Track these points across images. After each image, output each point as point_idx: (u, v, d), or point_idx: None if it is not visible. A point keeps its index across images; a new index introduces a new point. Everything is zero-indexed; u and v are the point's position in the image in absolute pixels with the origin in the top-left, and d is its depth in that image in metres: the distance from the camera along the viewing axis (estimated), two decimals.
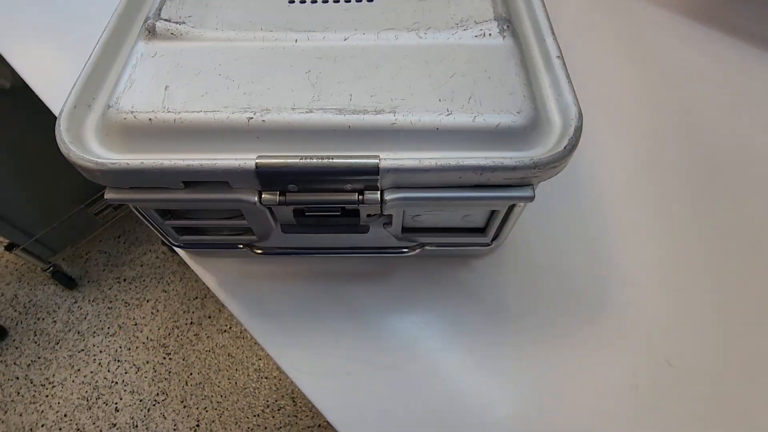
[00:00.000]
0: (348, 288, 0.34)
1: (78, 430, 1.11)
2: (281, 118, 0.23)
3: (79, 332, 1.23)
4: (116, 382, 1.17)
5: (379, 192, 0.24)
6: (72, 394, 1.15)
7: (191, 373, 1.18)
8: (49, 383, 1.16)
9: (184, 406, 1.14)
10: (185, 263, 1.24)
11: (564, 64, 0.27)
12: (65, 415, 1.12)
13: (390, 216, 0.27)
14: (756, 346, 0.32)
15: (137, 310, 1.27)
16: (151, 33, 0.27)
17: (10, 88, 0.88)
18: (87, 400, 1.15)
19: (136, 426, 1.11)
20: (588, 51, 0.49)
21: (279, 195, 0.24)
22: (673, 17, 0.51)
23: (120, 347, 1.21)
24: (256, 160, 0.22)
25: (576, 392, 0.30)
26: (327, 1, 0.29)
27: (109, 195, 0.24)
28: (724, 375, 0.31)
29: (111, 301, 1.28)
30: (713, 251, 0.36)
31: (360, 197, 0.24)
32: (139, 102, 0.24)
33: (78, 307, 1.27)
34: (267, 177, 0.23)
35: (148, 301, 1.28)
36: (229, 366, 1.19)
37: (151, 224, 0.28)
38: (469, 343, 0.32)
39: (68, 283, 1.27)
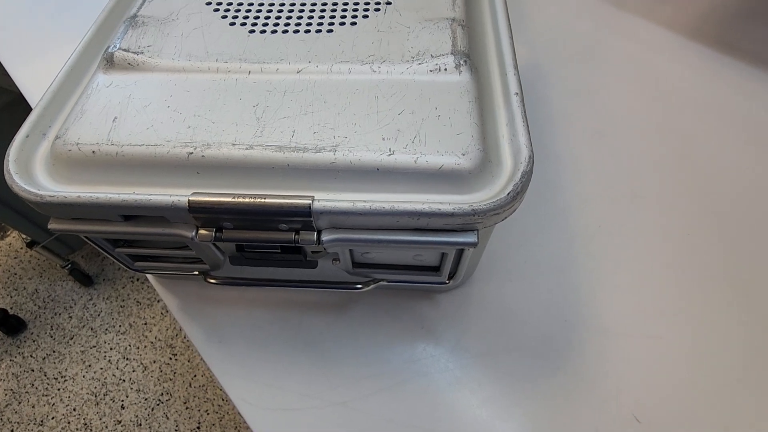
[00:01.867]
0: (306, 318, 0.33)
1: (85, 424, 1.14)
2: (221, 154, 0.23)
3: (92, 329, 1.28)
4: (124, 380, 1.20)
5: (315, 233, 0.23)
6: (82, 389, 1.19)
7: (195, 375, 1.20)
8: (62, 377, 1.21)
9: (187, 408, 1.16)
10: None
11: (522, 101, 0.25)
12: (74, 409, 1.16)
13: (336, 253, 0.27)
14: (732, 406, 0.29)
15: (148, 310, 1.30)
16: (110, 63, 0.27)
17: None
18: (95, 396, 1.18)
19: (140, 424, 1.14)
20: (586, 72, 0.47)
21: (216, 231, 0.24)
22: (670, 36, 0.49)
23: (129, 345, 1.25)
24: (189, 197, 0.22)
25: None
26: (287, 32, 0.29)
27: (52, 225, 0.24)
28: None
29: (124, 300, 1.32)
30: (693, 299, 0.33)
31: (296, 236, 0.23)
32: (86, 134, 0.24)
33: (93, 304, 1.31)
34: (200, 213, 0.23)
35: (159, 301, 1.32)
36: None
37: (104, 251, 0.29)
38: (426, 383, 0.31)
39: (85, 280, 1.32)
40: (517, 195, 0.22)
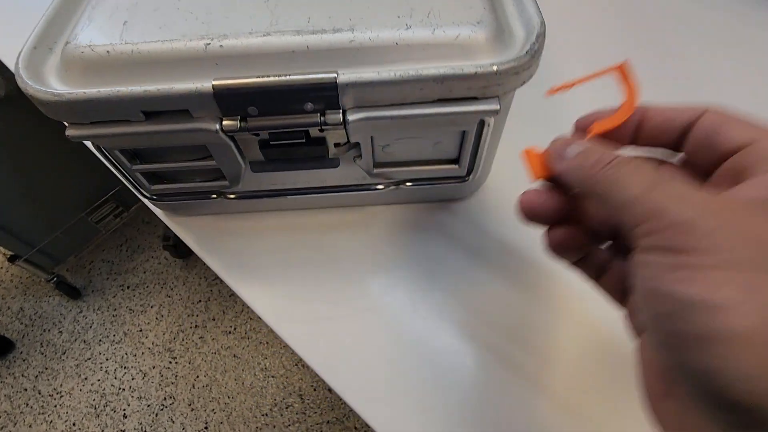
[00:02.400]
0: (327, 238, 0.33)
1: None
2: (239, 43, 0.23)
3: (85, 341, 1.24)
4: (123, 389, 1.16)
5: (341, 112, 0.23)
6: (80, 402, 1.15)
7: (198, 376, 1.18)
8: (57, 393, 1.16)
9: (192, 409, 1.13)
10: (188, 268, 1.26)
11: None
12: (74, 424, 1.12)
13: (358, 146, 0.27)
14: None
15: (142, 317, 1.27)
16: None
17: (5, 97, 0.90)
18: (95, 408, 1.14)
19: (145, 431, 1.11)
20: None
21: (240, 121, 0.24)
22: None
23: (126, 354, 1.21)
24: (213, 82, 0.22)
25: (560, 329, 0.29)
26: None
27: (70, 132, 0.24)
28: None
29: (115, 309, 1.28)
30: None
31: (322, 118, 0.23)
32: (97, 37, 0.24)
33: (83, 316, 1.27)
34: (225, 99, 0.22)
35: (152, 307, 1.28)
36: (235, 367, 1.19)
37: (122, 173, 0.28)
38: (452, 283, 0.31)
39: (72, 293, 1.28)
40: (534, 54, 0.23)
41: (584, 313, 0.30)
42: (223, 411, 1.13)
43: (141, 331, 1.25)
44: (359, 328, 0.30)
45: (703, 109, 0.17)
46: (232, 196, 0.30)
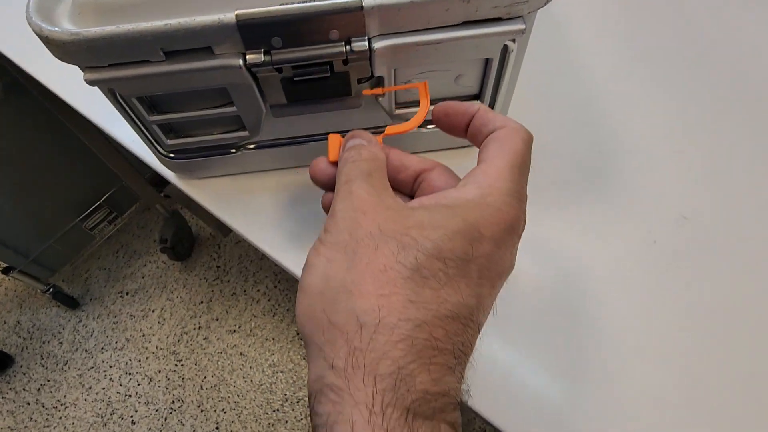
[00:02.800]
0: None
1: None
2: None
3: (86, 350, 1.21)
4: (130, 395, 1.14)
5: (366, 39, 0.23)
6: (86, 412, 1.13)
7: (205, 377, 1.16)
8: (61, 405, 1.14)
9: (202, 411, 1.12)
10: (187, 270, 1.24)
11: None
12: None
13: (381, 82, 0.27)
14: (761, 191, 0.31)
15: (143, 321, 1.25)
16: None
17: None
18: (102, 417, 1.12)
19: None
20: None
21: (264, 54, 0.23)
22: None
23: (130, 360, 1.19)
24: (237, 12, 0.22)
25: (595, 253, 0.29)
26: None
27: (87, 76, 0.23)
28: (738, 223, 0.30)
29: (116, 316, 1.26)
30: (716, 119, 0.35)
31: (347, 47, 0.23)
32: None
33: (83, 325, 1.25)
34: (249, 30, 0.22)
35: (153, 311, 1.26)
36: (242, 365, 1.17)
37: (139, 128, 0.27)
38: None
39: (70, 302, 1.25)
40: None
41: (618, 235, 0.30)
42: (234, 410, 1.12)
43: (144, 336, 1.22)
44: None
45: (477, 108, 0.22)
46: (252, 146, 0.29)
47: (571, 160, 0.34)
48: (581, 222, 0.31)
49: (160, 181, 1.16)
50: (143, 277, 1.31)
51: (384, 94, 0.27)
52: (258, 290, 1.27)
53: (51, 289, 1.20)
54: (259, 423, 1.10)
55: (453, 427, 0.16)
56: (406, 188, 0.23)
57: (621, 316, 0.28)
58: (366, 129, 0.30)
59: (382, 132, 0.24)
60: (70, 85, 0.39)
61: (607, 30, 0.41)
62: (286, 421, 1.10)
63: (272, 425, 1.09)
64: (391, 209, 0.19)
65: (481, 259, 0.18)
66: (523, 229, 0.20)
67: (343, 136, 0.23)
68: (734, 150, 0.33)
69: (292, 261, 0.30)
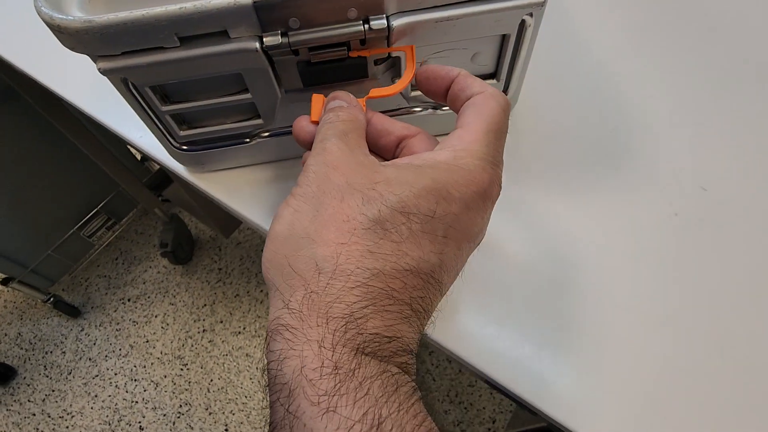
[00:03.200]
0: None
1: None
2: None
3: (90, 359, 1.20)
4: (136, 401, 1.13)
5: (384, 17, 0.23)
6: (93, 421, 1.12)
7: (212, 380, 1.15)
8: (68, 414, 1.13)
9: (210, 413, 1.11)
10: (188, 273, 1.23)
11: None
12: None
13: (398, 63, 0.26)
14: None
15: (147, 327, 1.24)
16: None
17: None
18: (109, 425, 1.11)
19: None
20: None
21: (281, 36, 0.23)
22: None
23: (135, 366, 1.18)
24: None
25: (619, 227, 0.29)
26: None
27: (101, 65, 0.23)
28: (758, 195, 0.30)
29: (118, 323, 1.25)
30: (729, 89, 0.35)
31: (366, 26, 0.23)
32: None
33: (85, 334, 1.24)
34: (266, 10, 0.22)
35: (156, 316, 1.25)
36: (248, 366, 1.17)
37: (151, 119, 0.27)
38: (498, 207, 0.31)
39: (71, 311, 1.24)
40: None
41: (639, 208, 0.30)
42: (242, 411, 1.11)
43: (148, 341, 1.21)
44: None
45: (457, 73, 0.22)
46: (266, 134, 0.29)
47: (587, 139, 0.33)
48: (600, 200, 0.31)
49: (158, 185, 1.15)
50: (144, 283, 1.30)
51: (401, 74, 0.27)
52: (261, 291, 1.26)
53: (51, 299, 1.19)
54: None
55: (403, 369, 0.17)
56: (389, 154, 0.23)
57: (644, 289, 0.28)
58: (383, 111, 0.30)
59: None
60: (73, 84, 0.38)
61: (617, 4, 0.41)
62: None
63: None
64: (361, 165, 0.19)
65: (448, 218, 0.18)
66: (498, 195, 0.20)
67: None
68: (750, 121, 0.33)
69: None
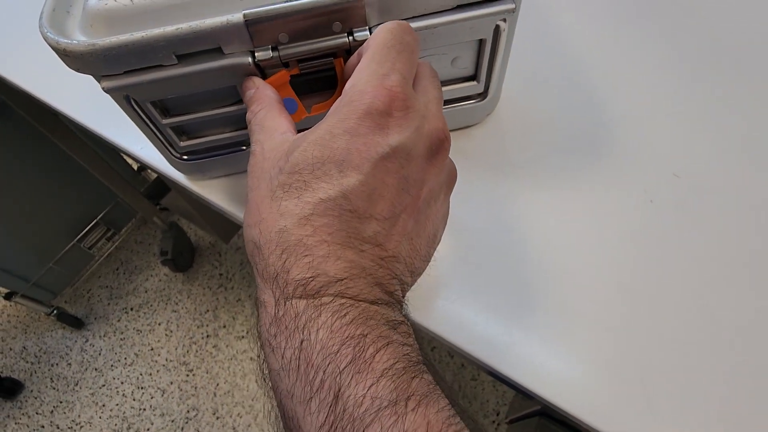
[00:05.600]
0: None
1: None
2: None
3: (96, 369, 1.21)
4: (144, 409, 1.15)
5: (367, 29, 0.24)
6: (102, 430, 1.13)
7: (218, 384, 1.17)
8: (76, 424, 1.14)
9: (217, 417, 1.13)
10: (190, 280, 1.25)
11: None
12: None
13: None
14: (753, 144, 0.33)
15: (150, 336, 1.25)
16: None
17: None
18: None
19: None
20: None
21: (271, 51, 0.24)
22: None
23: (141, 374, 1.20)
24: (244, 12, 0.23)
25: (596, 215, 0.31)
26: None
27: (105, 84, 0.24)
28: (729, 180, 0.32)
29: (122, 333, 1.26)
30: (699, 77, 0.37)
31: (350, 38, 0.24)
32: None
33: (90, 345, 1.25)
34: (257, 27, 0.23)
35: (159, 324, 1.27)
36: (254, 369, 1.18)
37: (152, 132, 0.28)
38: (483, 198, 0.33)
39: (75, 323, 1.25)
40: None
41: (615, 197, 0.32)
42: (249, 414, 1.13)
43: (152, 349, 1.23)
44: None
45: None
46: None
47: (566, 132, 0.35)
48: (577, 189, 0.32)
49: (156, 194, 1.16)
50: (146, 292, 1.32)
51: None
52: None
53: (55, 312, 1.20)
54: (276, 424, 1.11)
55: (337, 296, 0.18)
56: None
57: (623, 273, 0.29)
58: None
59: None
60: (73, 101, 0.40)
61: (584, 4, 0.43)
62: None
63: None
64: (276, 149, 0.21)
65: (337, 153, 0.19)
66: (402, 103, 0.20)
67: None
68: (722, 110, 0.35)
69: None
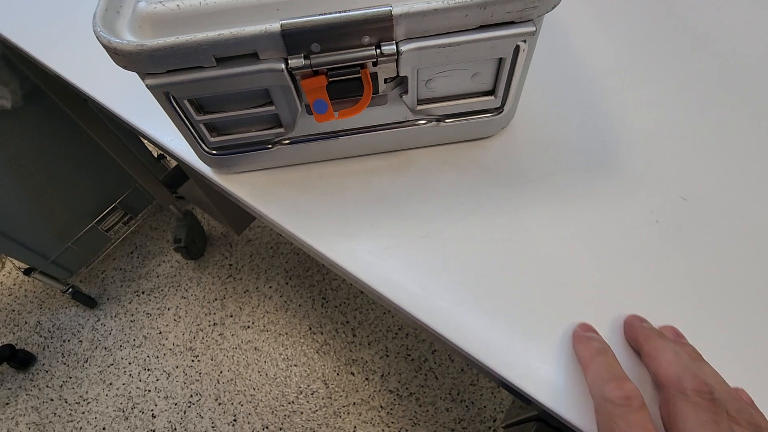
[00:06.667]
0: (373, 181, 0.36)
1: None
2: None
3: (105, 348, 1.25)
4: (149, 390, 1.18)
5: (394, 43, 0.26)
6: (107, 407, 1.16)
7: (221, 371, 1.19)
8: (84, 400, 1.17)
9: (219, 404, 1.15)
10: (200, 269, 1.28)
11: None
12: (104, 429, 1.13)
13: (405, 81, 0.29)
14: (759, 170, 0.34)
15: (160, 320, 1.28)
16: None
17: (11, 109, 0.91)
18: (123, 411, 1.16)
19: (175, 429, 1.12)
20: None
21: (304, 59, 0.26)
22: None
23: (148, 356, 1.23)
24: (281, 22, 0.25)
25: (602, 235, 0.32)
26: None
27: (149, 81, 0.26)
28: (735, 207, 0.33)
29: (133, 315, 1.29)
30: (709, 101, 0.38)
31: (378, 51, 0.26)
32: None
33: (101, 324, 1.28)
34: (291, 37, 0.25)
35: (169, 309, 1.30)
36: (257, 359, 1.20)
37: (187, 126, 0.30)
38: (494, 210, 0.34)
39: (88, 302, 1.29)
40: None
41: (621, 216, 0.33)
42: (250, 403, 1.15)
43: (160, 333, 1.26)
44: (417, 253, 0.32)
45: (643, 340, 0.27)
46: (287, 141, 0.32)
47: (579, 149, 0.36)
48: (585, 207, 0.34)
49: (173, 182, 1.20)
50: (158, 277, 1.35)
51: (407, 91, 0.30)
52: (270, 287, 1.30)
53: (70, 290, 1.24)
54: (275, 414, 1.13)
55: None
56: None
57: (623, 290, 0.31)
58: (389, 123, 0.33)
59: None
60: (111, 93, 0.42)
61: (608, 23, 0.44)
62: (302, 413, 1.13)
63: (288, 416, 1.13)
64: None
65: None
66: None
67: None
68: (731, 136, 0.36)
69: (326, 243, 0.33)
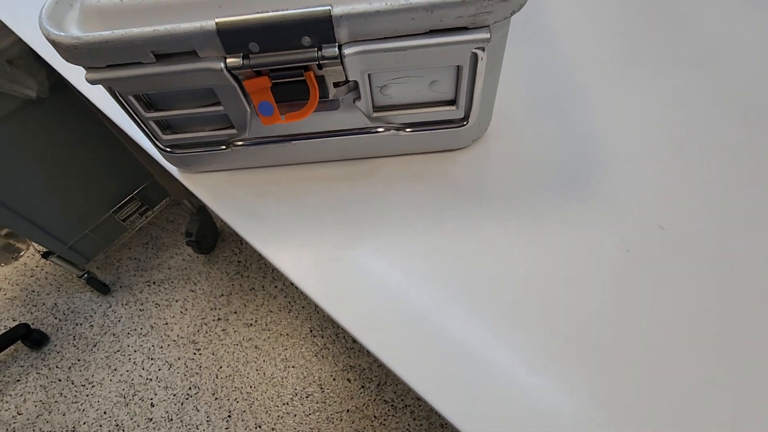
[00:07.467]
0: (332, 188, 0.35)
1: (117, 425, 1.14)
2: None
3: (114, 334, 1.28)
4: (150, 379, 1.20)
5: (336, 46, 0.25)
6: (110, 392, 1.19)
7: (221, 367, 1.20)
8: (89, 383, 1.21)
9: (216, 398, 1.16)
10: (210, 263, 1.29)
11: None
12: (105, 413, 1.16)
13: (357, 87, 0.28)
14: (742, 206, 0.30)
15: (167, 311, 1.31)
16: None
17: (36, 99, 0.95)
18: (124, 398, 1.18)
19: (171, 419, 1.14)
20: None
21: (242, 58, 0.25)
22: None
23: (153, 346, 1.25)
24: (216, 20, 0.24)
25: (567, 261, 0.30)
26: None
27: (88, 76, 0.26)
28: (715, 233, 0.30)
29: (142, 304, 1.33)
30: (693, 123, 0.35)
31: (319, 53, 0.25)
32: None
33: (112, 311, 1.32)
34: (227, 35, 0.24)
35: (176, 301, 1.32)
36: (256, 358, 1.21)
37: (137, 122, 0.30)
38: (454, 226, 0.32)
39: (102, 288, 1.33)
40: None
41: (591, 242, 0.30)
42: (246, 400, 1.15)
43: (167, 324, 1.28)
44: (365, 267, 0.30)
45: None
46: (240, 143, 0.31)
47: (555, 168, 0.34)
48: (553, 229, 0.31)
49: None
50: (169, 269, 1.38)
51: (361, 97, 0.28)
52: (275, 286, 1.30)
53: (86, 275, 1.29)
54: (269, 414, 1.13)
55: None
56: None
57: (583, 319, 0.28)
58: (346, 130, 0.32)
59: None
60: (101, 91, 0.43)
61: (592, 39, 0.41)
62: (295, 415, 1.12)
63: (281, 418, 1.12)
64: None
65: None
66: None
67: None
68: (717, 163, 0.33)
69: (271, 248, 0.32)
